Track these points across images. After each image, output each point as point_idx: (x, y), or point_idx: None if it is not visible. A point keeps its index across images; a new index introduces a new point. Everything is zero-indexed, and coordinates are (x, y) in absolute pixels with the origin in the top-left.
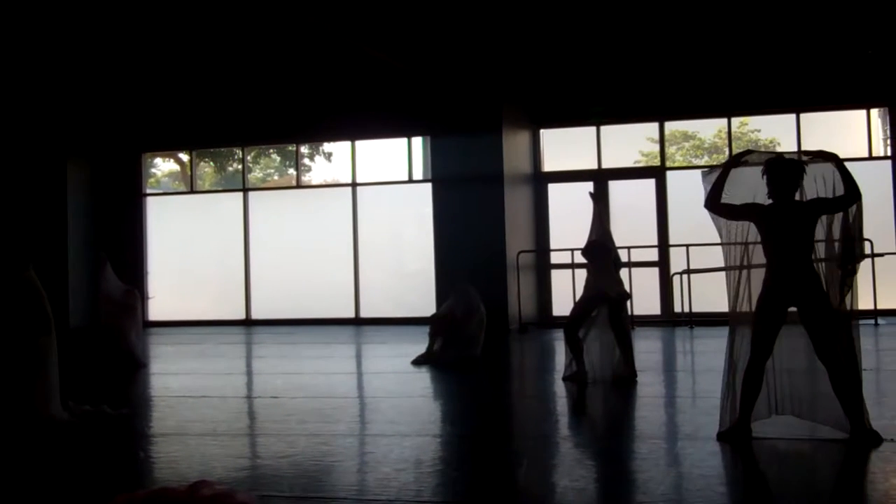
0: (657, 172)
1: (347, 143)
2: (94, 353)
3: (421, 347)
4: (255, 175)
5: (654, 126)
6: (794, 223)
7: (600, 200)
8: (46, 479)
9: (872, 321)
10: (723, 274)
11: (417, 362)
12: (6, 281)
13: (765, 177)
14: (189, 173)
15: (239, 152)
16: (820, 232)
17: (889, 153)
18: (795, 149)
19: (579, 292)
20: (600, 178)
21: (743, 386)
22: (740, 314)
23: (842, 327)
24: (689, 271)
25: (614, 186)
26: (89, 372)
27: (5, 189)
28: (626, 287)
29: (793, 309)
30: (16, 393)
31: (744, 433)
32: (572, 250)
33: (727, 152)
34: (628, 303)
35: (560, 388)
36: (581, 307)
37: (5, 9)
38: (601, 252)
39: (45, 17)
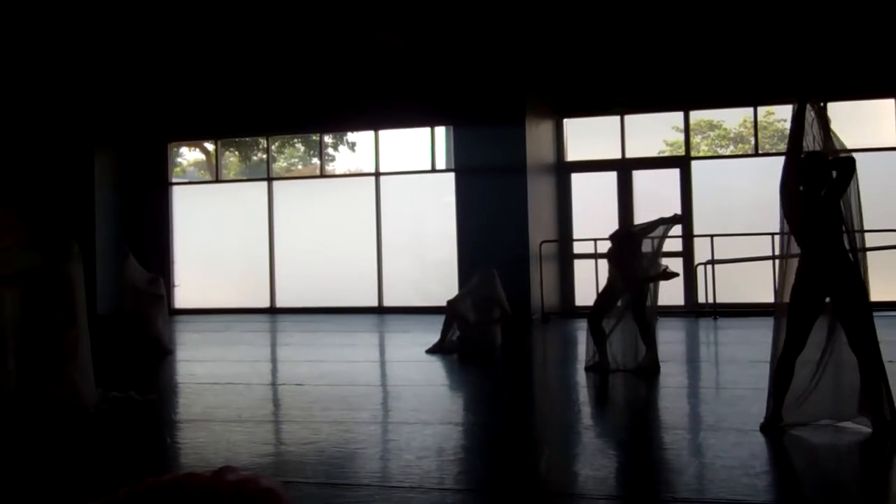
0: (682, 162)
1: (371, 133)
2: (120, 341)
3: None
4: (280, 164)
5: (679, 115)
6: (824, 213)
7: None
8: (74, 463)
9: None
10: (747, 264)
11: (431, 351)
12: (43, 272)
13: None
14: (214, 163)
15: (263, 142)
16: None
17: None
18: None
19: (602, 282)
20: (624, 168)
21: (776, 378)
22: (784, 305)
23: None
24: (713, 261)
25: (638, 176)
26: (117, 359)
27: (35, 179)
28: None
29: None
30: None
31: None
32: (595, 240)
33: (752, 142)
34: (653, 292)
35: (582, 378)
36: (604, 297)
37: (34, 2)
38: (627, 242)
39: (72, 9)
